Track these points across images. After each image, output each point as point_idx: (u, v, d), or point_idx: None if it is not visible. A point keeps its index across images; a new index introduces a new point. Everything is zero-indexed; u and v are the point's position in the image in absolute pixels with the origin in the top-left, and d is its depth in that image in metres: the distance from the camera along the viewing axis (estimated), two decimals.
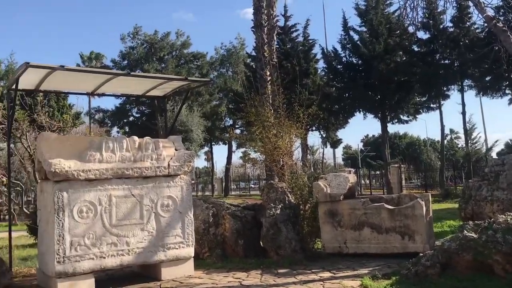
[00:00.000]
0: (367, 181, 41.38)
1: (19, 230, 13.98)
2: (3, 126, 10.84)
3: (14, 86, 7.46)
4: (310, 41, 31.26)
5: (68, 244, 6.55)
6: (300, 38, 31.36)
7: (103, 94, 9.37)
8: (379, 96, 27.15)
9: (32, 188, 16.76)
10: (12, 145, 16.10)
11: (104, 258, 6.81)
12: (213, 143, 44.68)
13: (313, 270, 7.44)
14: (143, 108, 41.56)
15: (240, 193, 44.02)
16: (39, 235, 7.41)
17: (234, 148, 43.91)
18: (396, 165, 28.36)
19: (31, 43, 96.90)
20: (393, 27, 26.55)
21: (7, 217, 26.80)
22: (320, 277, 6.98)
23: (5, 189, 17.12)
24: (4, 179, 14.45)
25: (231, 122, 41.45)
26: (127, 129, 39.94)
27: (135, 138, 7.46)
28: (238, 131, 39.18)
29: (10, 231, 8.23)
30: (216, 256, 8.62)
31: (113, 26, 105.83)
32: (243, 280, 7.04)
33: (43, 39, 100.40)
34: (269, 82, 16.84)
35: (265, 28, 17.60)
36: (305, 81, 25.75)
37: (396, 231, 8.04)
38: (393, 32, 26.56)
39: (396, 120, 29.88)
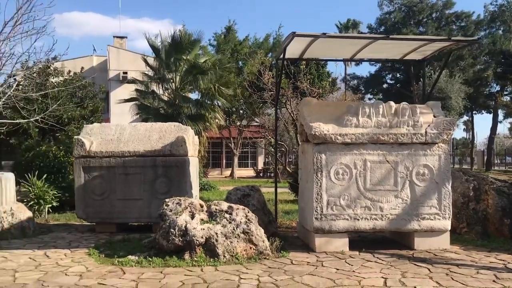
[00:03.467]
0: None
1: (282, 187, 15.60)
2: (272, 93, 12.14)
3: (281, 56, 8.21)
4: None
5: (325, 203, 6.98)
6: None
7: (360, 60, 9.49)
8: None
9: (294, 150, 18.41)
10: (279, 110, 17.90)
11: (358, 220, 7.02)
12: (474, 111, 40.57)
13: None
14: (398, 74, 40.59)
15: (505, 169, 39.14)
16: (300, 192, 8.12)
17: (500, 117, 39.00)
18: None
19: (295, 17, 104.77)
20: None
21: (272, 174, 30.40)
22: None
23: (273, 150, 19.32)
24: (272, 140, 16.25)
25: (498, 88, 36.79)
26: (380, 96, 39.75)
27: (392, 103, 7.32)
28: (507, 98, 34.60)
29: (276, 187, 9.25)
30: (475, 233, 7.92)
31: None
32: (509, 263, 6.27)
33: (303, 13, 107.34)
34: None
35: None
36: None
37: None
38: None
39: None
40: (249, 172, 34.62)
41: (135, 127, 9.34)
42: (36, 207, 10.15)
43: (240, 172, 32.67)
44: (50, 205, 10.48)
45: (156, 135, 9.06)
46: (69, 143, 12.36)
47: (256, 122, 28.36)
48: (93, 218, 8.84)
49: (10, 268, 5.99)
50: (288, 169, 13.31)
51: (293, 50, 8.22)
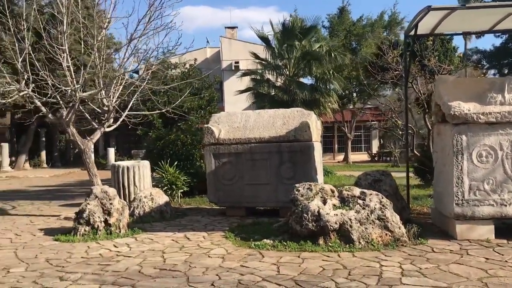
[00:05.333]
0: None
1: (402, 171, 14.93)
2: (397, 72, 11.58)
3: (412, 32, 7.73)
4: None
5: (466, 188, 6.50)
6: None
7: (502, 31, 8.61)
8: None
9: (420, 131, 17.46)
10: (400, 90, 17.10)
11: (505, 206, 6.44)
12: None
13: None
14: None
15: None
16: (435, 176, 7.64)
17: None
18: None
19: None
20: None
21: (388, 158, 29.23)
22: None
23: (400, 133, 18.52)
24: (399, 122, 15.52)
25: None
26: (505, 71, 36.23)
27: None
28: None
29: (407, 172, 8.84)
30: None
31: None
32: None
33: None
34: None
35: None
36: None
37: None
38: None
39: None
40: (362, 156, 33.78)
41: (259, 114, 9.50)
42: (169, 192, 10.85)
43: (353, 157, 31.99)
44: (181, 190, 11.13)
45: (280, 121, 9.13)
46: (193, 131, 13.00)
47: (369, 104, 27.48)
48: (223, 202, 9.22)
49: (158, 250, 6.45)
50: (416, 152, 12.66)
51: (423, 25, 7.69)
